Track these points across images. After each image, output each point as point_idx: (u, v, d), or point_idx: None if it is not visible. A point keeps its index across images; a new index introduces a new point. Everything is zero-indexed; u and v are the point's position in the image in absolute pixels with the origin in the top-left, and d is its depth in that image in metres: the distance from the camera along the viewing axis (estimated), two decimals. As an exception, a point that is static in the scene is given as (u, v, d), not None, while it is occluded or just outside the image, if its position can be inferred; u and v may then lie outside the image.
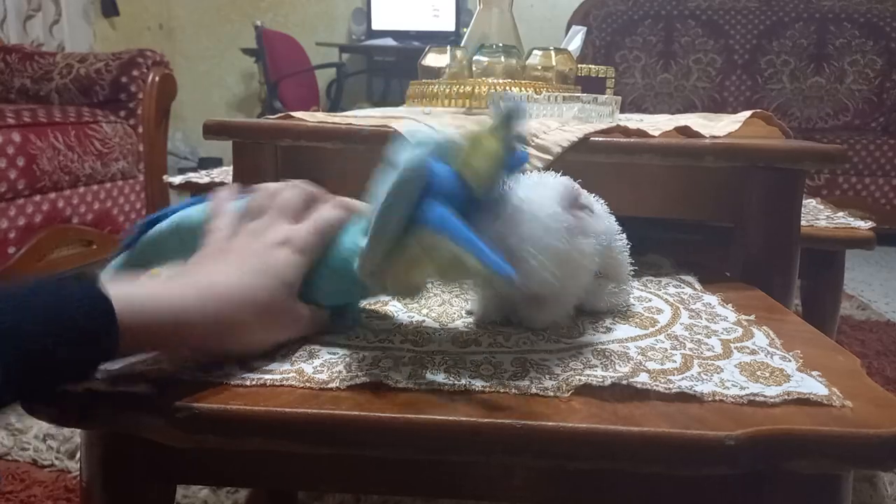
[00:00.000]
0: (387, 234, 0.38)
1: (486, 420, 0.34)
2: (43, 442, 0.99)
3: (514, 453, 0.35)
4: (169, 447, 0.36)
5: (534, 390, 0.38)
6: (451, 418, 0.34)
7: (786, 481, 0.36)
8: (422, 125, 0.41)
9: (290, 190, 0.46)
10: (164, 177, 1.38)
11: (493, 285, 0.46)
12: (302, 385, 0.37)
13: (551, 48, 0.93)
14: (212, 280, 0.38)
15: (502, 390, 0.38)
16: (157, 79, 1.98)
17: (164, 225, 0.49)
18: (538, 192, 0.42)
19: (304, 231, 0.43)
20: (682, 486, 0.37)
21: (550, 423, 0.34)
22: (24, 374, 0.30)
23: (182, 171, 2.98)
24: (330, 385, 0.37)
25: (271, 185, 0.47)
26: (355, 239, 0.43)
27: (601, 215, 0.47)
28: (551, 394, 0.37)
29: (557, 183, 0.44)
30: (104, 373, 0.37)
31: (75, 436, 1.01)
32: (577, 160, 0.62)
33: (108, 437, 0.39)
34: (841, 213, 1.01)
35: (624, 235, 0.50)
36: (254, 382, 0.38)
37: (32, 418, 1.04)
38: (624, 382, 0.38)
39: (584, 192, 0.45)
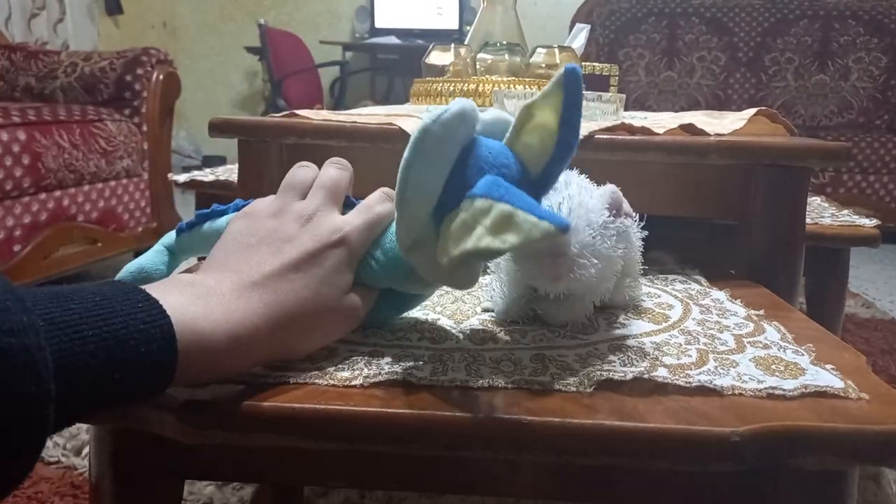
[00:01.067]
0: (408, 195, 0.36)
1: (492, 416, 0.35)
2: (49, 439, 1.00)
3: (521, 449, 0.35)
4: (177, 443, 0.36)
5: (556, 386, 0.38)
6: (458, 414, 0.35)
7: (791, 477, 0.36)
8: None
9: (332, 168, 0.45)
10: (169, 175, 1.38)
11: (541, 255, 0.43)
12: (326, 383, 0.38)
13: (555, 46, 0.93)
14: (268, 304, 0.37)
15: (525, 386, 0.38)
16: (161, 77, 1.99)
17: (220, 221, 0.47)
18: (591, 197, 0.43)
19: (358, 228, 0.42)
20: (687, 482, 0.37)
21: (557, 420, 0.34)
22: (73, 399, 0.29)
23: (186, 169, 2.98)
24: (353, 382, 0.38)
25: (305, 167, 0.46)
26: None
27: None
28: (573, 389, 0.38)
29: (605, 189, 0.45)
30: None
31: (81, 433, 1.01)
32: (581, 158, 0.62)
33: (116, 432, 0.39)
34: (846, 211, 1.01)
35: (640, 230, 0.50)
36: (275, 381, 0.38)
37: (39, 415, 1.03)
38: (645, 377, 0.39)
39: (625, 200, 0.46)
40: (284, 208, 0.42)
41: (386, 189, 0.45)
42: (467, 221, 0.34)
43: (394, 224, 0.41)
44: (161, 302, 0.32)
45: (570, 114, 0.36)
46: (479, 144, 0.38)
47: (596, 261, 0.41)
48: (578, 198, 0.43)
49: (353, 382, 0.38)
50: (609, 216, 0.43)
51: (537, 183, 0.38)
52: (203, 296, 0.35)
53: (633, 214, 0.47)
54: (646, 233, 0.49)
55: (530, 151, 0.37)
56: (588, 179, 0.47)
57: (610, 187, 0.45)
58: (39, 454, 0.28)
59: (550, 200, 0.42)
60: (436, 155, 0.36)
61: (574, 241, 0.41)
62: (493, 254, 0.34)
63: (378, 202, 0.44)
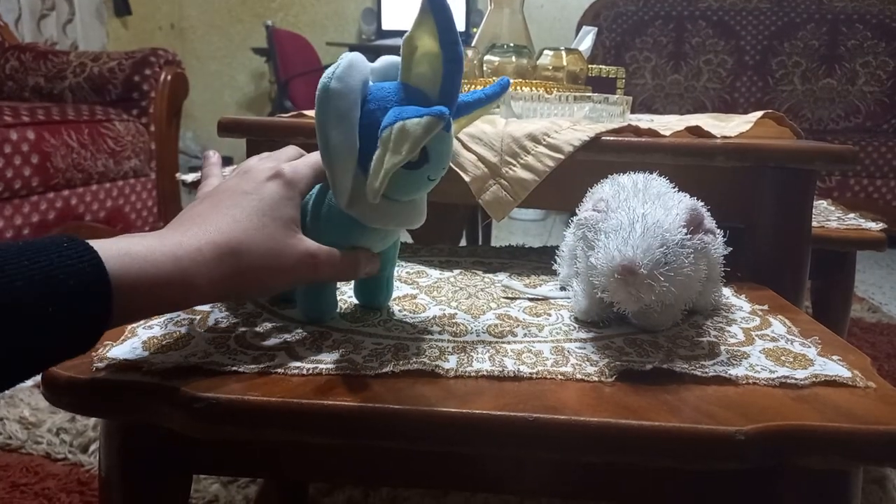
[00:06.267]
0: (332, 152, 0.39)
1: (498, 413, 0.35)
2: (56, 436, 1.00)
3: (527, 447, 0.35)
4: (186, 437, 0.37)
5: (578, 376, 0.39)
6: (464, 411, 0.35)
7: (795, 476, 0.36)
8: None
9: (286, 147, 0.46)
10: (177, 174, 1.39)
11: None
12: (356, 373, 0.39)
13: (562, 48, 0.93)
14: (206, 230, 0.37)
15: (548, 377, 0.39)
16: (169, 78, 2.00)
17: None
18: (667, 215, 0.42)
19: (295, 164, 0.42)
20: (692, 480, 0.38)
21: (562, 418, 0.35)
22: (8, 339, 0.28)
23: (193, 169, 2.99)
24: (384, 370, 0.39)
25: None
26: None
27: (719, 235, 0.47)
28: (595, 379, 0.39)
29: (683, 205, 0.44)
30: (123, 363, 0.38)
31: (88, 430, 1.02)
32: (587, 159, 0.62)
33: (126, 427, 0.40)
34: (852, 215, 1.00)
35: (723, 247, 0.50)
36: (310, 372, 0.39)
37: (46, 412, 1.05)
38: (664, 367, 0.40)
39: (708, 215, 0.45)
40: (228, 176, 0.44)
41: None
42: (380, 155, 0.37)
43: (326, 191, 0.43)
44: (90, 242, 0.32)
45: (446, 32, 0.38)
46: (377, 89, 0.40)
47: (669, 279, 0.40)
48: (654, 216, 0.42)
49: (384, 370, 0.39)
50: (686, 234, 0.42)
51: (441, 104, 0.39)
52: (139, 235, 0.35)
53: (716, 230, 0.46)
54: (729, 249, 0.49)
55: (425, 79, 0.40)
56: (673, 187, 0.47)
57: (689, 203, 0.44)
58: None
59: (624, 217, 0.42)
60: (342, 108, 0.38)
61: (646, 261, 0.40)
62: (405, 169, 0.38)
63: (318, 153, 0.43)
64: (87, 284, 0.30)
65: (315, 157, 0.43)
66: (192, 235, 0.36)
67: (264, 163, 0.43)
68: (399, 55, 0.41)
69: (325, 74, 0.39)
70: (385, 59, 0.43)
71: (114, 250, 0.32)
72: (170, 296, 0.35)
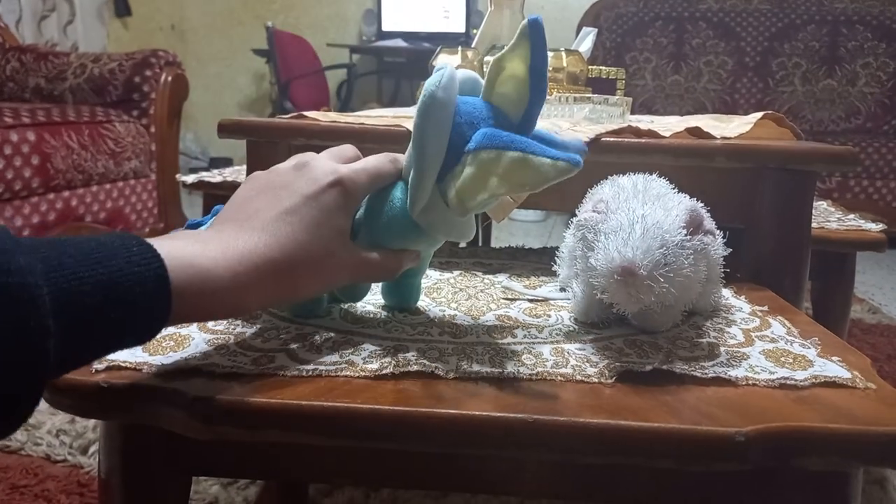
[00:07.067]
0: (427, 161, 0.39)
1: (498, 415, 0.35)
2: (56, 437, 1.01)
3: (526, 448, 0.35)
4: (187, 438, 0.37)
5: (578, 377, 0.39)
6: (464, 412, 0.35)
7: (795, 478, 0.36)
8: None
9: (345, 147, 0.46)
10: (178, 175, 1.39)
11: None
12: (356, 375, 0.39)
13: (562, 49, 0.93)
14: (267, 242, 0.38)
15: (548, 378, 0.39)
16: (169, 79, 2.00)
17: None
18: (667, 216, 0.42)
19: (355, 170, 0.42)
20: (692, 481, 0.38)
21: (562, 419, 0.35)
22: (74, 334, 0.29)
23: (193, 170, 3.00)
24: (384, 372, 0.39)
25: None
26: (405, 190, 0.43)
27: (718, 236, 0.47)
28: (595, 380, 0.39)
29: (683, 206, 0.44)
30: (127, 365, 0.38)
31: (88, 431, 1.02)
32: (587, 160, 0.62)
33: (127, 428, 0.40)
34: (852, 216, 1.00)
35: (722, 248, 0.50)
36: (310, 373, 0.39)
37: (45, 414, 1.04)
38: (664, 368, 0.40)
39: (707, 216, 0.46)
40: (283, 164, 0.44)
41: (392, 154, 0.45)
42: (476, 174, 0.37)
43: (392, 191, 0.43)
44: (157, 246, 0.33)
45: (538, 61, 0.38)
46: (462, 103, 0.40)
47: (668, 280, 0.40)
48: (653, 217, 0.42)
49: (384, 372, 0.39)
50: (686, 235, 0.42)
51: (521, 127, 0.40)
52: (202, 240, 0.36)
53: (715, 231, 0.46)
54: (729, 250, 0.49)
55: (507, 100, 0.40)
56: (672, 188, 0.47)
57: (689, 204, 0.44)
58: (42, 390, 0.28)
59: (623, 218, 0.42)
60: (442, 119, 0.39)
61: (646, 262, 0.40)
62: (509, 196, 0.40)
63: (378, 158, 0.44)
64: (149, 296, 0.32)
65: (373, 163, 0.43)
66: (252, 249, 0.37)
67: (323, 162, 0.43)
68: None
69: (430, 82, 0.39)
70: (463, 74, 0.43)
71: (177, 260, 0.33)
72: (221, 309, 0.37)
